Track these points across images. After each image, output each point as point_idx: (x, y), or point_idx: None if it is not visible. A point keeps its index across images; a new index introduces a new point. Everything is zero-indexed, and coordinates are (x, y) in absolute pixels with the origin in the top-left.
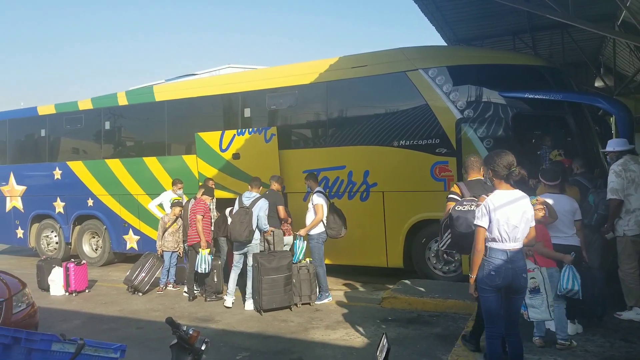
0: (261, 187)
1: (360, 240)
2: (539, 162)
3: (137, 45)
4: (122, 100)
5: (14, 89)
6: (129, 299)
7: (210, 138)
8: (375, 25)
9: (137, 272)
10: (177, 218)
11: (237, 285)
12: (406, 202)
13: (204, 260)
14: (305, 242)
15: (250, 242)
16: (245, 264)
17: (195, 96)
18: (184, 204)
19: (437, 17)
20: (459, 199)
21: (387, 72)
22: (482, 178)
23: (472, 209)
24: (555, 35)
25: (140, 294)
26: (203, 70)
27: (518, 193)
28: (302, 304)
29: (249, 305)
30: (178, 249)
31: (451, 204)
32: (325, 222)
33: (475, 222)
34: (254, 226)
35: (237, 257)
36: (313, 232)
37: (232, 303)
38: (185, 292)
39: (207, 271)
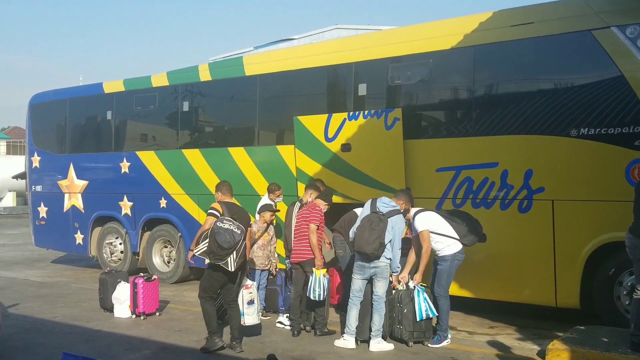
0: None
1: (516, 268)
2: None
3: (218, 6)
4: (205, 75)
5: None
6: None
7: (313, 123)
8: None
9: None
10: (268, 226)
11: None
12: (588, 216)
13: (318, 284)
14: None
15: (378, 258)
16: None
17: (294, 69)
18: (274, 207)
19: None
20: (220, 216)
21: (563, 31)
22: (233, 201)
23: (230, 228)
24: None
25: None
26: (303, 34)
27: None
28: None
29: (377, 345)
30: (269, 266)
31: (213, 219)
32: (456, 234)
33: None
34: (387, 240)
35: (358, 285)
36: (445, 252)
37: (355, 344)
38: (279, 322)
39: (322, 298)
